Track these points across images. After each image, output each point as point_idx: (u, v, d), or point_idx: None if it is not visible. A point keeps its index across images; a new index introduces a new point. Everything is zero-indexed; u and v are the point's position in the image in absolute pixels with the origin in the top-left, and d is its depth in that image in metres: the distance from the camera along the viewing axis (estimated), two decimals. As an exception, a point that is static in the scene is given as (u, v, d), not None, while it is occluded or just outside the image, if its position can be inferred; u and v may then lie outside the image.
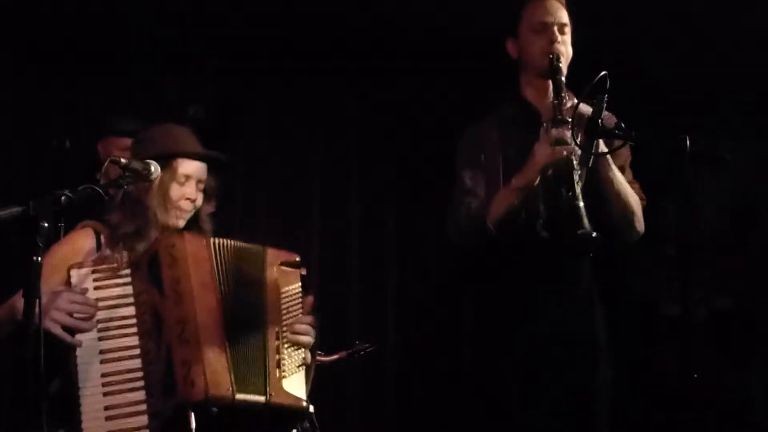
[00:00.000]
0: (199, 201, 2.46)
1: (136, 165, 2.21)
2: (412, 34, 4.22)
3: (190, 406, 2.10)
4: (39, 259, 1.85)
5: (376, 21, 4.15)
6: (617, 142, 2.45)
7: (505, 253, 2.58)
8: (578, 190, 2.37)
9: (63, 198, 1.93)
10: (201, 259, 2.29)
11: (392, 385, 4.39)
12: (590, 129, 2.25)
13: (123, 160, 2.19)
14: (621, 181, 2.56)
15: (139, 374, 2.19)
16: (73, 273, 2.25)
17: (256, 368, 2.25)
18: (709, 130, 3.43)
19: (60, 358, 2.18)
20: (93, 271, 2.26)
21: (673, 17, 4.05)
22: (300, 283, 2.43)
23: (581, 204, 2.35)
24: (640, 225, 2.63)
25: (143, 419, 2.15)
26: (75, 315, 2.18)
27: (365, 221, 4.58)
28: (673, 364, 4.41)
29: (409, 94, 4.60)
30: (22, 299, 1.88)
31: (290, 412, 2.31)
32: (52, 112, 4.15)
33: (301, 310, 2.40)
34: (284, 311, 2.37)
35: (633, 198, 2.60)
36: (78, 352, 2.19)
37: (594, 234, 2.33)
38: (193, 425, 2.08)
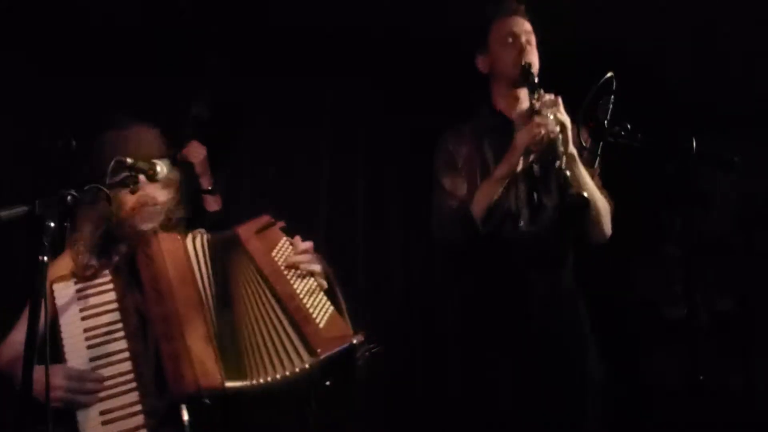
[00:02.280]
0: (161, 198, 2.47)
1: (142, 165, 2.21)
2: (420, 34, 4.23)
3: (183, 400, 2.12)
4: (45, 258, 1.86)
5: (380, 19, 4.16)
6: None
7: (488, 253, 2.66)
8: (564, 162, 2.49)
9: (69, 198, 1.94)
10: (177, 255, 2.34)
11: (396, 386, 4.39)
12: (596, 130, 2.26)
13: (129, 160, 2.20)
14: (588, 181, 2.65)
15: (131, 376, 2.22)
16: (56, 287, 2.30)
17: (282, 339, 2.25)
18: (717, 130, 3.42)
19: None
20: (75, 283, 2.30)
21: (680, 16, 4.05)
22: (285, 237, 2.48)
23: (568, 173, 2.49)
24: (606, 228, 2.73)
25: (139, 419, 2.17)
26: (72, 391, 2.18)
27: (371, 221, 4.58)
28: (674, 366, 4.40)
29: (416, 93, 4.60)
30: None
31: (345, 353, 2.28)
32: (58, 111, 4.15)
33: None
34: (285, 270, 2.39)
35: (600, 201, 2.69)
36: (68, 362, 2.22)
37: (584, 194, 2.44)
38: (186, 417, 2.10)
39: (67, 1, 3.92)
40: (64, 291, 2.29)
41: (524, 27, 2.78)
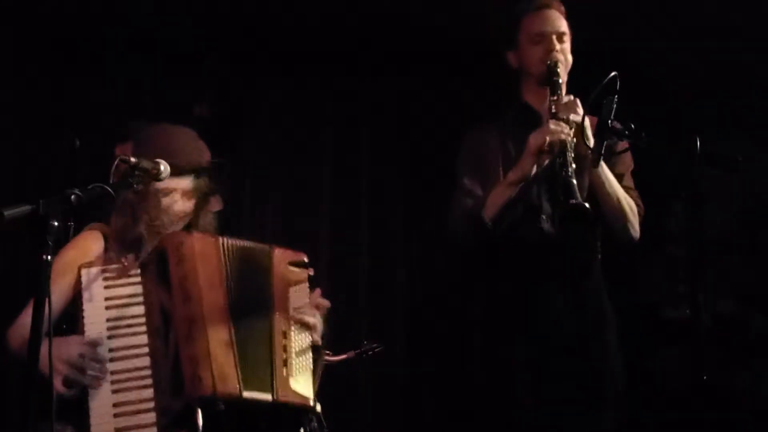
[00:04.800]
0: (187, 208, 2.47)
1: (146, 164, 2.21)
2: (422, 33, 4.23)
3: (197, 402, 2.12)
4: (49, 257, 1.86)
5: (383, 19, 4.16)
6: (621, 146, 2.52)
7: (511, 251, 2.63)
8: (571, 170, 2.44)
9: (73, 197, 1.94)
10: (208, 257, 2.31)
11: (400, 385, 4.39)
12: (600, 130, 2.26)
13: (132, 160, 2.19)
14: (612, 182, 2.61)
15: (148, 372, 2.21)
16: (84, 272, 2.27)
17: (263, 365, 2.27)
18: (721, 129, 3.41)
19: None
20: (103, 271, 2.28)
21: (682, 16, 4.04)
22: (307, 283, 2.46)
23: (574, 181, 2.42)
24: (633, 230, 2.68)
25: (151, 416, 2.17)
26: (81, 368, 2.17)
27: (373, 221, 4.58)
28: (675, 367, 4.40)
29: (418, 93, 4.60)
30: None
31: (297, 410, 2.33)
32: (62, 111, 4.16)
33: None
34: (292, 311, 2.39)
35: (627, 203, 2.65)
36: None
37: (586, 204, 2.39)
38: (200, 421, 2.10)
39: (68, 1, 3.93)
40: (91, 277, 2.27)
41: (556, 24, 2.70)
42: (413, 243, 4.57)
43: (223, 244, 2.35)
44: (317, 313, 2.44)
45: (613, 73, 2.26)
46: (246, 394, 2.18)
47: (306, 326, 2.40)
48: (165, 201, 2.44)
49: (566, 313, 2.60)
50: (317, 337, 2.43)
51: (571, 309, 2.61)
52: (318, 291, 2.48)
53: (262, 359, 2.28)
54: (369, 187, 4.62)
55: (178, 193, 2.46)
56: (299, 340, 2.38)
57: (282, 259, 2.44)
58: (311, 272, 2.48)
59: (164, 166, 2.23)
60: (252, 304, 2.34)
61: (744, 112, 4.59)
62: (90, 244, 2.41)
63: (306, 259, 2.47)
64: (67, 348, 2.15)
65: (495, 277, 2.70)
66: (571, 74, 2.72)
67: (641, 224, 2.70)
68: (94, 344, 2.20)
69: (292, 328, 2.37)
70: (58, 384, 2.12)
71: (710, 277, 4.52)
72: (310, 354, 2.38)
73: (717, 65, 4.40)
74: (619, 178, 2.67)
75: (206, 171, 2.49)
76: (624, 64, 2.48)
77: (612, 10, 3.93)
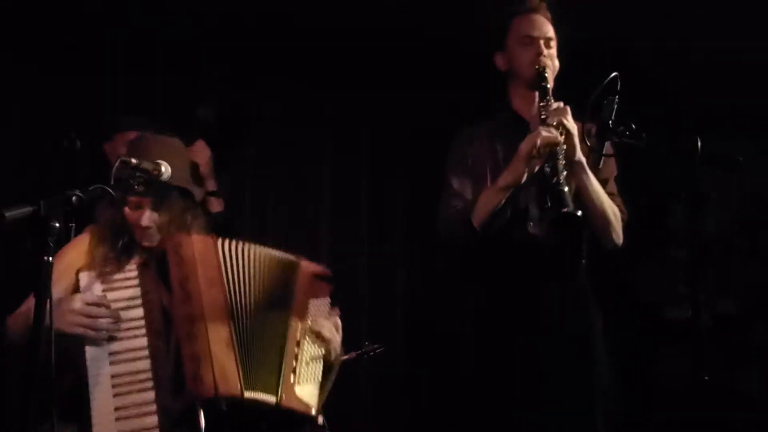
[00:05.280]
0: (155, 220, 2.43)
1: (147, 165, 2.21)
2: (421, 35, 4.22)
3: (199, 403, 2.12)
4: (50, 258, 1.85)
5: (383, 19, 4.16)
6: (607, 150, 2.51)
7: (498, 252, 2.64)
8: (562, 177, 2.45)
9: (74, 198, 1.94)
10: (208, 258, 2.31)
11: (401, 385, 4.39)
12: (601, 130, 2.26)
13: (134, 161, 2.19)
14: (597, 189, 2.62)
15: (149, 374, 2.21)
16: (82, 276, 2.29)
17: (268, 368, 2.26)
18: (721, 129, 3.42)
19: (71, 357, 2.20)
20: (101, 274, 2.28)
21: (682, 16, 4.04)
22: (329, 299, 2.49)
23: (566, 189, 2.44)
24: (616, 236, 2.68)
25: (153, 419, 2.16)
26: (91, 315, 2.20)
27: (373, 221, 4.58)
28: (676, 367, 4.40)
29: (418, 92, 4.60)
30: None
31: (298, 417, 2.31)
32: (63, 112, 4.15)
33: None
34: (309, 320, 2.41)
35: (610, 208, 2.65)
36: (88, 353, 2.21)
37: (578, 213, 2.40)
38: (203, 422, 2.09)
39: (68, 0, 3.92)
40: (89, 281, 2.28)
41: (544, 29, 2.74)
42: (413, 243, 4.57)
43: (223, 245, 2.35)
44: (334, 329, 2.45)
45: (613, 74, 2.27)
46: (248, 394, 2.17)
47: (321, 339, 2.40)
48: (129, 214, 2.42)
49: (553, 316, 2.61)
50: (330, 353, 2.44)
51: (558, 312, 2.61)
52: (337, 310, 2.50)
53: (270, 362, 2.27)
54: (369, 187, 4.62)
55: (143, 207, 2.42)
56: (311, 350, 2.38)
57: (308, 270, 2.46)
58: (332, 288, 2.50)
59: (165, 167, 2.23)
60: (268, 308, 2.34)
61: (744, 112, 4.59)
62: (86, 245, 2.41)
63: (330, 274, 2.50)
64: (73, 301, 2.19)
65: (484, 280, 2.71)
66: (572, 74, 2.72)
67: (632, 227, 2.72)
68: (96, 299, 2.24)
69: (307, 337, 2.37)
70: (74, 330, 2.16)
71: (711, 278, 4.52)
72: (320, 367, 2.39)
73: (717, 65, 4.39)
74: (603, 183, 2.68)
75: (178, 187, 2.45)
76: (624, 64, 2.48)
77: (612, 10, 3.93)
